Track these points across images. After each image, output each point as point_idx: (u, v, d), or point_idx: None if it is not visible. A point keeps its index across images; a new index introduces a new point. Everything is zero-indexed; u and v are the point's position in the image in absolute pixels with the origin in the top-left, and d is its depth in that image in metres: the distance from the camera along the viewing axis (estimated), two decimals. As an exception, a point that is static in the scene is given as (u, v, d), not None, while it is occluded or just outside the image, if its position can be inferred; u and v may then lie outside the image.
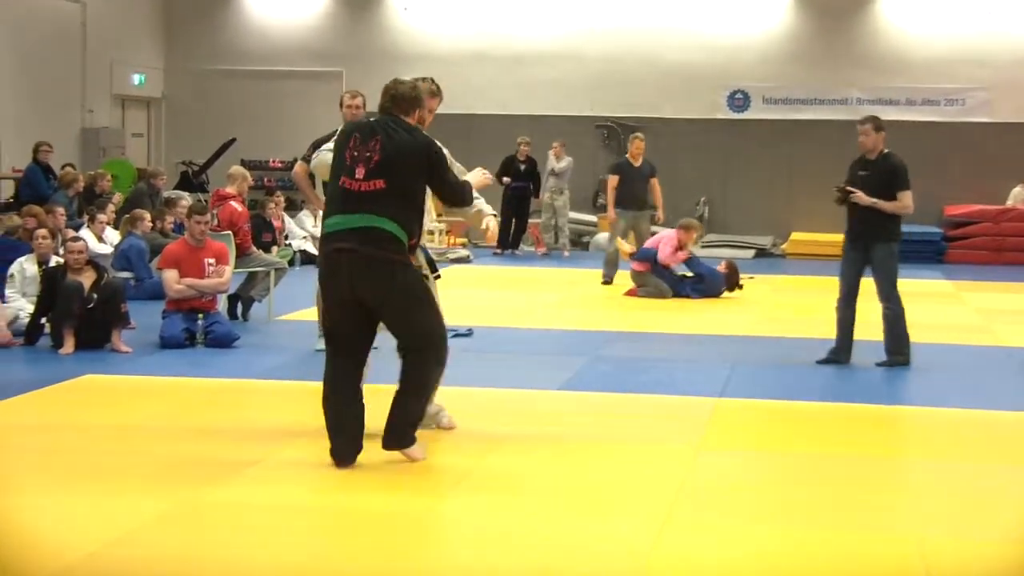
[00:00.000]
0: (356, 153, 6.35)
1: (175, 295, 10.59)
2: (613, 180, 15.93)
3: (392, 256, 6.29)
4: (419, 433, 6.64)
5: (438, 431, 7.21)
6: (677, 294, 14.45)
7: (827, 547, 5.43)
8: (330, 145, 7.03)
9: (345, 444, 6.42)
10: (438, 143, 6.62)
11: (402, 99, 6.56)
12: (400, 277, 6.32)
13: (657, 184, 16.10)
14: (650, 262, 14.58)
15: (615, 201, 15.82)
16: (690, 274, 14.73)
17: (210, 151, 21.92)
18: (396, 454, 6.52)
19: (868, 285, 10.11)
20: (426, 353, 6.45)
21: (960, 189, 21.68)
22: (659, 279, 14.48)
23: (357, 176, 6.31)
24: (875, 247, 9.89)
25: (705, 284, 14.59)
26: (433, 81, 7.08)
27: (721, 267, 14.89)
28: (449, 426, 7.28)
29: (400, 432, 6.48)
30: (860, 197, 9.87)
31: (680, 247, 14.68)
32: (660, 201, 16.18)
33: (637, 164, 15.95)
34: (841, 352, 10.01)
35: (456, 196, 6.72)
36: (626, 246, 15.43)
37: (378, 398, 6.62)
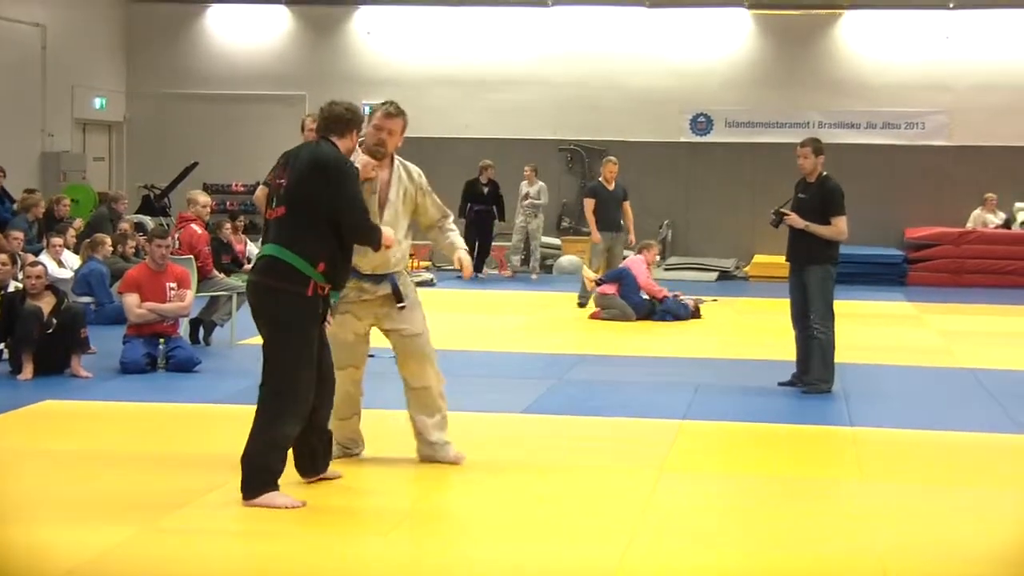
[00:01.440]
0: (278, 181, 6.34)
1: (136, 319, 10.52)
2: (590, 203, 15.95)
3: (279, 284, 6.16)
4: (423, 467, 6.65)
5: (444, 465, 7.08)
6: (645, 317, 14.46)
7: (790, 569, 5.44)
8: None
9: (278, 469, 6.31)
10: (350, 161, 6.42)
11: (336, 120, 6.41)
12: (273, 303, 6.20)
13: (629, 207, 16.15)
14: (618, 284, 14.61)
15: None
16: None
17: (172, 175, 21.83)
18: (359, 482, 6.47)
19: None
20: (266, 390, 6.26)
21: (921, 212, 21.86)
22: (624, 302, 14.50)
23: (273, 204, 6.31)
24: (809, 269, 9.84)
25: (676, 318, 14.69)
26: (393, 103, 6.95)
27: (691, 304, 14.94)
28: (456, 460, 7.06)
29: (245, 477, 6.22)
30: (794, 220, 9.86)
31: (648, 267, 14.88)
32: (631, 224, 16.22)
33: (611, 187, 16.00)
34: (802, 374, 10.01)
35: (352, 225, 6.26)
36: (591, 274, 15.45)
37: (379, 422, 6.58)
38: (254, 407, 6.29)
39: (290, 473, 6.40)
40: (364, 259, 6.79)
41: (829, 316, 9.85)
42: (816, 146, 9.98)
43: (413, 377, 7.13)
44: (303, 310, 6.19)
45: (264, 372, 6.25)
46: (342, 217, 6.21)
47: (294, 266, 6.13)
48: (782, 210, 9.98)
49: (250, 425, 6.29)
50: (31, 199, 16.18)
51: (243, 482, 6.18)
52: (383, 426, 7.77)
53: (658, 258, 15.95)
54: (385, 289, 6.99)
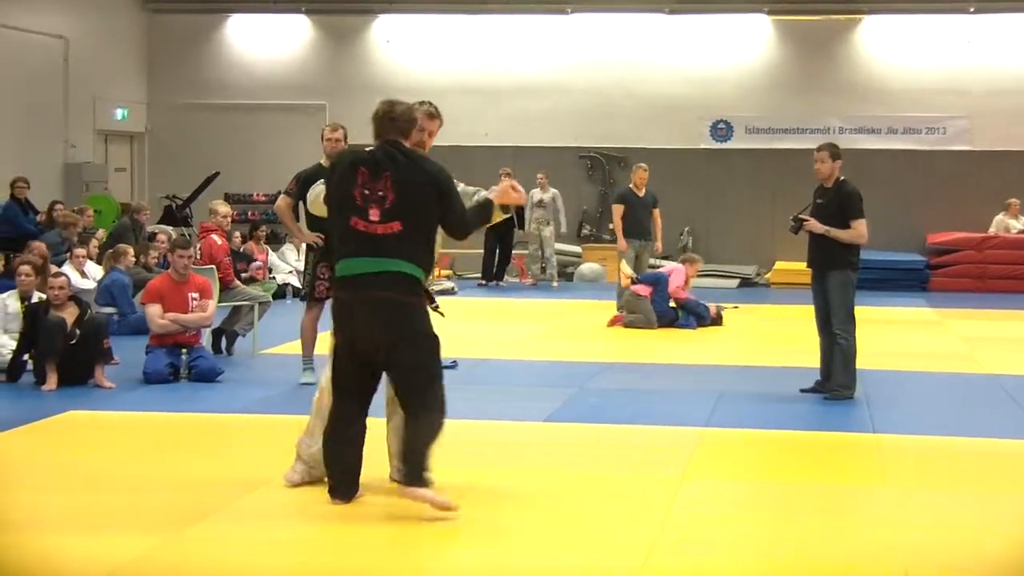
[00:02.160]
0: (367, 192, 6.13)
1: (158, 330, 10.55)
2: (619, 209, 15.76)
3: (409, 299, 6.15)
4: None
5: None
6: (671, 324, 14.44)
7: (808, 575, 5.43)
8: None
9: (347, 484, 6.32)
10: (445, 169, 6.37)
11: (402, 120, 6.31)
12: (416, 319, 6.17)
13: (659, 215, 16.02)
14: (653, 288, 14.57)
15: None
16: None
17: (194, 185, 21.90)
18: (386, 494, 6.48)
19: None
20: (426, 398, 6.22)
21: (942, 217, 21.78)
22: (651, 308, 14.45)
23: (372, 218, 6.10)
24: (829, 275, 9.81)
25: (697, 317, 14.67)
26: (432, 104, 6.83)
27: (712, 311, 14.91)
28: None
29: (413, 473, 6.17)
30: (813, 225, 9.83)
31: (686, 282, 14.82)
32: (660, 232, 16.08)
33: (641, 193, 15.83)
34: (826, 381, 9.99)
35: (462, 228, 6.42)
36: (628, 270, 15.34)
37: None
38: (277, 416, 6.32)
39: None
40: None
41: (850, 322, 9.83)
42: (833, 151, 9.95)
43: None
44: (430, 321, 6.28)
45: (416, 398, 6.18)
46: (455, 227, 6.36)
47: (419, 279, 6.16)
48: (801, 216, 9.96)
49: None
50: (70, 217, 16.10)
51: (407, 476, 6.14)
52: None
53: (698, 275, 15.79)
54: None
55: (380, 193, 6.11)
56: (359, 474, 6.35)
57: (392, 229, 6.09)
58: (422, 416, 6.17)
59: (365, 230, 6.11)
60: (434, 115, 6.76)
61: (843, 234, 9.78)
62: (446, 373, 8.63)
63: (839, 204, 9.83)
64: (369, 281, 6.09)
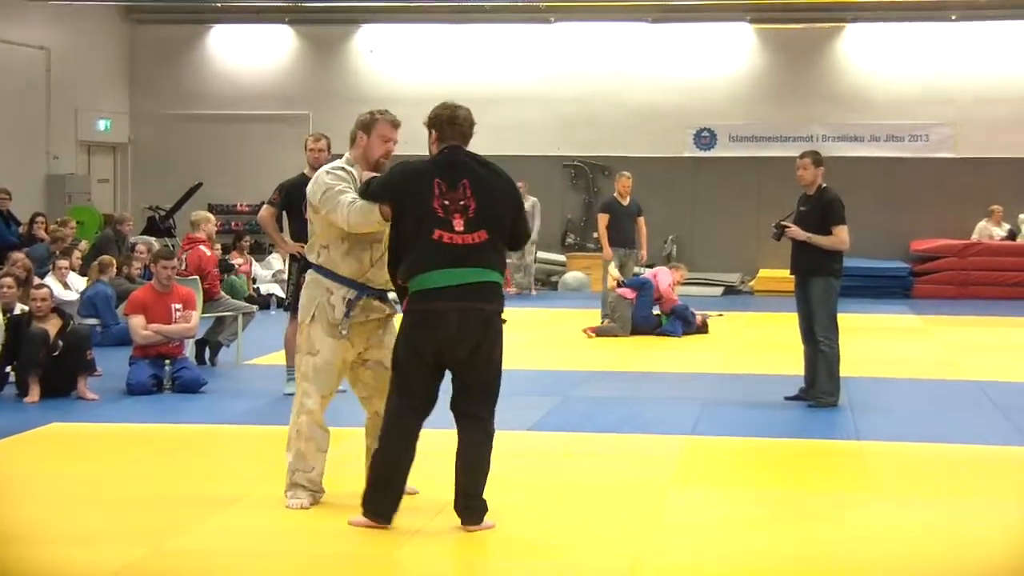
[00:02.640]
0: (447, 202, 5.92)
1: (142, 341, 10.52)
2: (604, 219, 15.68)
3: (498, 308, 6.07)
4: None
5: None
6: (652, 331, 14.47)
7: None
8: (347, 188, 6.25)
9: (390, 501, 6.06)
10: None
11: (466, 124, 6.15)
12: (498, 327, 6.08)
13: (643, 223, 15.99)
14: (637, 291, 14.60)
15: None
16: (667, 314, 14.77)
17: (177, 196, 21.86)
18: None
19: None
20: (492, 418, 6.14)
21: (926, 224, 21.84)
22: (627, 316, 14.48)
23: (457, 228, 5.90)
24: (812, 282, 9.83)
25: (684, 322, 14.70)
26: (390, 112, 6.56)
27: (697, 319, 14.92)
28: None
29: (476, 509, 6.07)
30: (795, 232, 9.85)
31: (672, 285, 14.89)
32: (645, 241, 16.05)
33: (625, 202, 15.81)
34: (810, 388, 10.00)
35: (525, 239, 6.30)
36: (616, 273, 15.33)
37: (347, 441, 6.57)
38: (261, 427, 6.29)
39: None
40: (380, 272, 6.37)
41: (833, 328, 9.84)
42: (815, 158, 9.98)
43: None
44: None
45: (489, 399, 6.10)
46: (520, 238, 6.21)
47: (502, 287, 6.11)
48: (783, 223, 9.98)
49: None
50: (60, 232, 16.06)
51: (471, 515, 6.02)
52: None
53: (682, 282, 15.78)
54: (388, 308, 6.56)
55: (461, 202, 5.94)
56: (402, 493, 6.10)
57: (479, 238, 5.94)
58: (484, 430, 6.07)
59: (451, 241, 5.90)
60: (398, 125, 6.57)
61: (825, 241, 9.80)
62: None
63: (821, 211, 9.86)
64: (466, 292, 5.90)
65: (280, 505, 6.61)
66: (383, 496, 6.04)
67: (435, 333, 5.93)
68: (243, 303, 13.02)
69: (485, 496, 6.07)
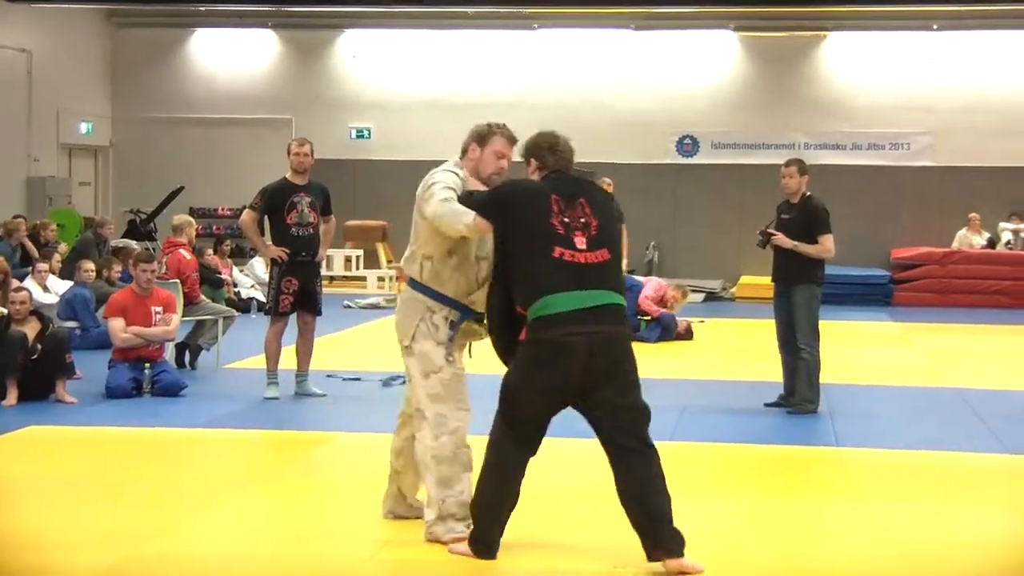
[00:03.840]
0: (567, 219, 5.58)
1: (121, 344, 10.48)
2: None
3: (625, 330, 5.72)
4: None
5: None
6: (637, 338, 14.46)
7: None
8: (455, 189, 5.87)
9: (496, 536, 5.69)
10: None
11: (570, 153, 5.94)
12: (630, 352, 5.70)
13: (625, 231, 15.90)
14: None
15: None
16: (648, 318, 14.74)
17: (158, 199, 21.82)
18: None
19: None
20: (646, 430, 5.69)
21: (906, 232, 21.95)
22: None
23: (579, 246, 5.53)
24: (796, 289, 9.82)
25: (662, 330, 14.67)
26: (508, 127, 6.27)
27: (681, 326, 14.90)
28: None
29: (669, 536, 5.57)
30: (781, 240, 9.86)
31: (662, 302, 14.77)
32: (627, 247, 15.94)
33: None
34: (789, 395, 10.01)
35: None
36: None
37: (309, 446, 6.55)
38: (241, 431, 6.26)
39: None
40: (484, 294, 5.98)
41: (815, 336, 9.86)
42: (801, 166, 10.01)
43: None
44: None
45: (640, 423, 5.66)
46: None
47: (625, 311, 5.74)
48: (769, 231, 9.99)
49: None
50: (12, 224, 16.22)
51: (665, 544, 5.54)
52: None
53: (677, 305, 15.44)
54: (484, 332, 6.15)
55: (582, 219, 5.60)
56: (505, 525, 5.73)
57: (602, 257, 5.58)
58: (649, 457, 5.62)
59: (572, 259, 5.51)
60: (515, 141, 6.20)
61: (811, 249, 9.82)
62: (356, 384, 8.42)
63: (807, 219, 9.87)
64: (590, 316, 5.48)
65: (256, 510, 6.60)
66: (488, 530, 5.66)
67: (561, 364, 5.49)
68: (223, 307, 12.98)
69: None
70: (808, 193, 10.01)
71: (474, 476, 5.85)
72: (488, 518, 5.67)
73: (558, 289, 5.47)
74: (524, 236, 5.59)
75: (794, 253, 9.81)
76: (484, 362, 6.23)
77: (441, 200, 5.77)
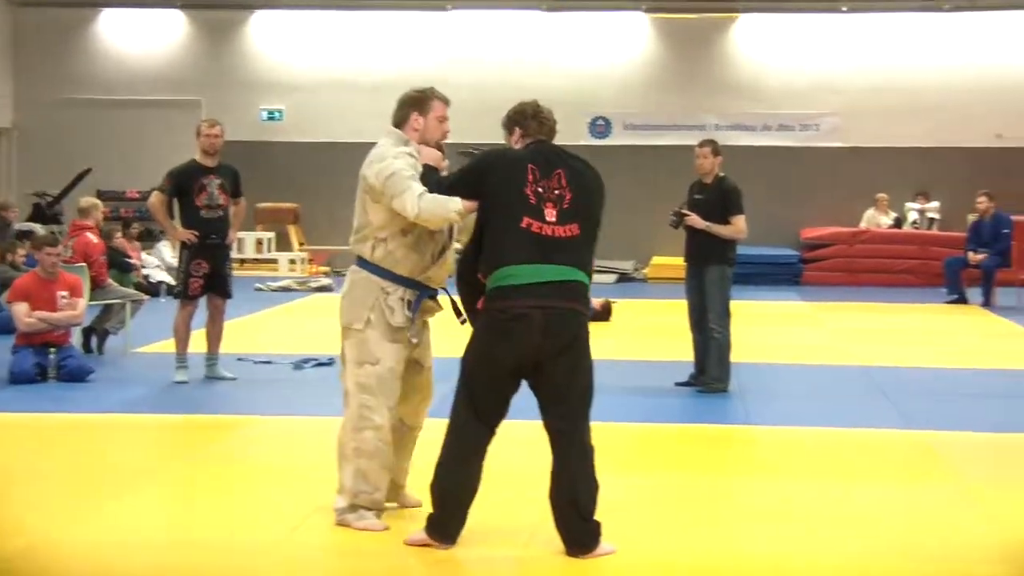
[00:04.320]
0: (541, 189, 5.46)
1: (25, 328, 10.30)
2: None
3: (584, 308, 5.52)
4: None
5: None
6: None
7: (682, 567, 5.47)
8: (415, 174, 5.72)
9: (456, 522, 5.56)
10: None
11: (553, 121, 5.84)
12: (584, 333, 5.52)
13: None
14: None
15: None
16: None
17: (64, 182, 21.45)
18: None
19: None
20: (588, 423, 5.60)
21: (815, 212, 22.22)
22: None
23: (548, 219, 5.41)
24: (708, 270, 9.91)
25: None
26: (435, 89, 6.20)
27: (596, 304, 14.88)
28: (418, 503, 6.15)
29: (588, 532, 5.52)
30: (695, 221, 9.92)
31: None
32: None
33: None
34: (700, 375, 10.09)
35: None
36: None
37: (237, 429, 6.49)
38: (150, 415, 6.18)
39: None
40: (442, 269, 5.95)
41: (726, 316, 9.94)
42: (715, 147, 10.08)
43: (411, 415, 6.20)
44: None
45: (582, 410, 5.56)
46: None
47: (588, 289, 5.58)
48: (683, 211, 10.04)
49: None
50: None
51: (582, 540, 5.49)
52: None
53: None
54: (439, 307, 6.13)
55: (556, 191, 5.49)
56: (467, 512, 5.59)
57: (571, 232, 5.47)
58: (586, 453, 5.55)
59: (539, 232, 5.41)
60: (449, 102, 6.13)
61: (724, 230, 9.90)
62: (324, 370, 8.45)
63: (720, 200, 9.94)
64: (546, 291, 5.37)
65: (167, 495, 6.53)
66: (449, 516, 5.53)
67: (515, 337, 5.38)
68: (132, 291, 12.81)
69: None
70: (722, 174, 10.08)
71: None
72: (448, 502, 5.54)
73: (520, 261, 5.39)
74: (496, 203, 5.49)
75: (707, 234, 9.88)
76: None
77: (418, 196, 5.61)
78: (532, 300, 5.35)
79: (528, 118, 5.78)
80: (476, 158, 5.78)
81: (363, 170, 5.87)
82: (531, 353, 5.40)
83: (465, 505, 5.57)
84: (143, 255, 18.32)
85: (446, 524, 5.54)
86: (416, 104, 6.01)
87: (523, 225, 5.40)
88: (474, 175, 5.64)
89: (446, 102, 6.07)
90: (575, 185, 5.55)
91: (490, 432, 5.60)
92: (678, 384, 10.14)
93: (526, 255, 5.39)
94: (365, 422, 5.85)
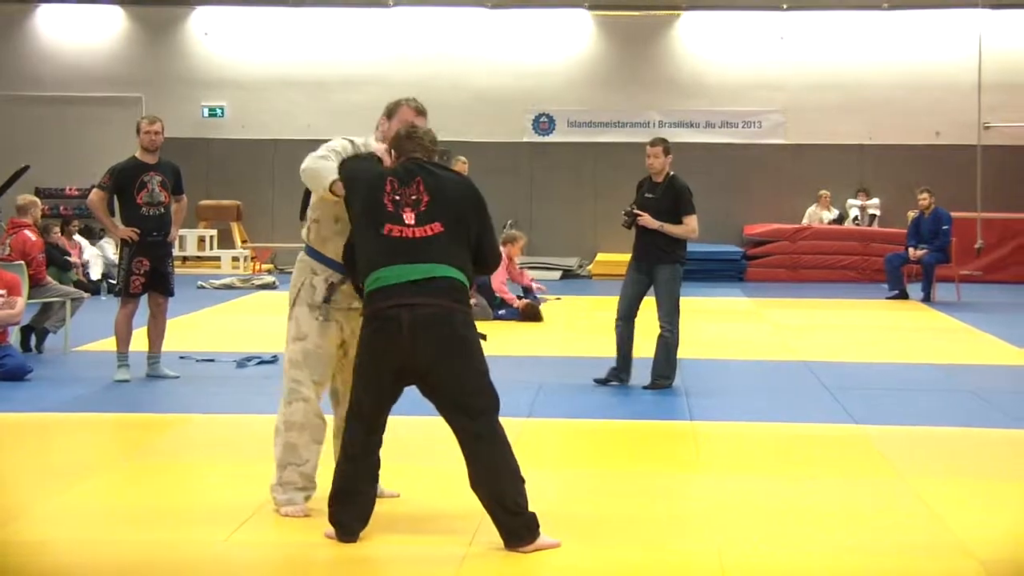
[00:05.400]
0: (398, 197, 5.59)
1: (-36, 328, 10.17)
2: None
3: (457, 305, 5.54)
4: None
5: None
6: (496, 317, 14.47)
7: (628, 563, 5.49)
8: (338, 155, 5.91)
9: (355, 518, 5.61)
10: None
11: (429, 139, 5.85)
12: (469, 332, 5.57)
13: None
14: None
15: None
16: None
17: (2, 179, 21.17)
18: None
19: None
20: (492, 415, 5.61)
21: (758, 209, 22.39)
22: (484, 300, 14.41)
23: (407, 222, 5.54)
24: (660, 269, 9.93)
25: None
26: (416, 100, 6.24)
27: (519, 304, 14.82)
28: (393, 494, 6.33)
29: (521, 525, 5.54)
30: (648, 221, 9.94)
31: (510, 260, 14.79)
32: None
33: None
34: (622, 371, 10.08)
35: (491, 260, 5.87)
36: None
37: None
38: (91, 414, 6.12)
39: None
40: None
41: (676, 314, 9.96)
42: (666, 146, 10.10)
43: None
44: (475, 327, 5.71)
45: (486, 405, 5.59)
46: (489, 251, 5.84)
47: (464, 285, 5.63)
48: (635, 211, 10.02)
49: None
50: None
51: (517, 533, 5.50)
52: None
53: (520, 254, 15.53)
54: None
55: (413, 196, 5.59)
56: (370, 510, 5.66)
57: (432, 231, 5.55)
58: (496, 444, 5.56)
59: (400, 235, 5.53)
60: (423, 112, 6.19)
61: (677, 229, 9.93)
62: (263, 368, 8.40)
63: (672, 199, 9.96)
64: (414, 289, 5.47)
65: (107, 493, 6.47)
66: (343, 512, 5.59)
67: (386, 337, 5.45)
68: (71, 288, 12.68)
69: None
70: (672, 173, 10.11)
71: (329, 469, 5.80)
72: (344, 501, 5.61)
73: (386, 264, 5.53)
74: (359, 214, 5.68)
75: (658, 233, 9.90)
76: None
77: (316, 156, 5.88)
78: (399, 299, 5.47)
79: (402, 139, 5.86)
80: (353, 161, 5.91)
81: None
82: (406, 355, 5.47)
83: (361, 506, 5.62)
84: (89, 245, 18.15)
85: (343, 521, 5.61)
86: (387, 111, 6.23)
87: (384, 232, 5.57)
88: (345, 172, 5.81)
89: (418, 110, 6.16)
90: (433, 189, 5.65)
91: (376, 431, 5.66)
92: (597, 381, 10.08)
93: (391, 258, 5.53)
94: (294, 395, 6.05)
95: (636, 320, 10.11)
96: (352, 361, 5.88)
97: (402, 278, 5.50)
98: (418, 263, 5.52)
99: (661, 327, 9.93)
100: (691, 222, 9.97)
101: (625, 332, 10.07)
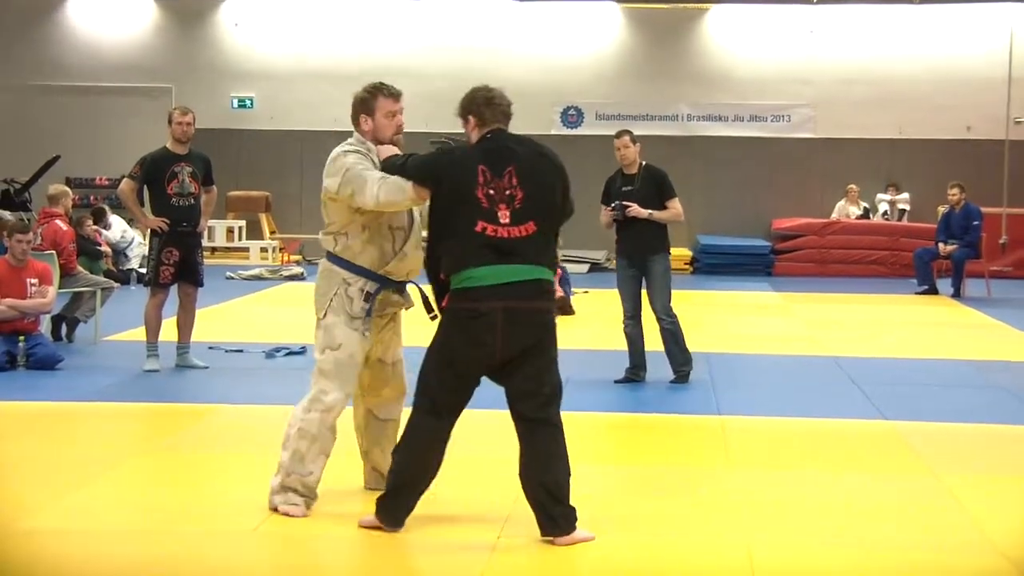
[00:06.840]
0: (492, 191, 5.48)
1: (-5, 316, 10.23)
2: None
3: (547, 305, 5.57)
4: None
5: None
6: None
7: (657, 556, 5.48)
8: (371, 167, 5.81)
9: (405, 510, 5.64)
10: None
11: (508, 104, 5.74)
12: (552, 327, 5.58)
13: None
14: None
15: None
16: None
17: (33, 169, 21.29)
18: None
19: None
20: (556, 404, 5.63)
21: (787, 203, 22.29)
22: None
23: (502, 220, 5.45)
24: (654, 261, 9.83)
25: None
26: (384, 84, 6.13)
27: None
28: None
29: (563, 515, 5.56)
30: (637, 211, 9.77)
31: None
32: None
33: None
34: (639, 369, 10.02)
35: (570, 211, 5.85)
36: None
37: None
38: (120, 404, 6.13)
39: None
40: (402, 263, 6.00)
41: (669, 303, 9.90)
42: (632, 136, 10.03)
43: (384, 408, 6.30)
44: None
45: (553, 400, 5.59)
46: (567, 213, 5.82)
47: (552, 284, 5.61)
48: (624, 203, 9.91)
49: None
50: None
51: (558, 523, 5.51)
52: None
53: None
54: (406, 302, 6.20)
55: (507, 191, 5.49)
56: (419, 499, 5.69)
57: (527, 231, 5.48)
58: (556, 435, 5.58)
59: (495, 235, 5.44)
60: (400, 96, 6.14)
61: (665, 215, 9.85)
62: (296, 359, 8.47)
63: (654, 186, 9.87)
64: (509, 291, 5.42)
65: (135, 483, 6.50)
66: (400, 503, 5.61)
67: (476, 335, 5.44)
68: (102, 278, 12.73)
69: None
70: (644, 162, 10.04)
71: (356, 463, 5.94)
72: (402, 491, 5.61)
73: (479, 263, 5.43)
74: (449, 209, 5.54)
75: (648, 223, 9.79)
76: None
77: (377, 181, 5.71)
78: (492, 300, 5.42)
79: (480, 105, 5.70)
80: (429, 158, 5.78)
81: (324, 176, 5.98)
82: (494, 352, 5.47)
83: (417, 495, 5.64)
84: (130, 227, 18.24)
85: (396, 511, 5.62)
86: (362, 105, 6.08)
87: (477, 229, 5.46)
88: (426, 171, 5.67)
89: (395, 96, 6.07)
90: (526, 182, 5.55)
91: (446, 426, 5.64)
92: (617, 382, 9.99)
93: (484, 258, 5.44)
94: (316, 404, 5.96)
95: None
96: (372, 366, 6.00)
97: (495, 279, 5.43)
98: (513, 264, 5.45)
99: (660, 320, 9.84)
100: (676, 205, 9.87)
101: (635, 331, 9.99)
